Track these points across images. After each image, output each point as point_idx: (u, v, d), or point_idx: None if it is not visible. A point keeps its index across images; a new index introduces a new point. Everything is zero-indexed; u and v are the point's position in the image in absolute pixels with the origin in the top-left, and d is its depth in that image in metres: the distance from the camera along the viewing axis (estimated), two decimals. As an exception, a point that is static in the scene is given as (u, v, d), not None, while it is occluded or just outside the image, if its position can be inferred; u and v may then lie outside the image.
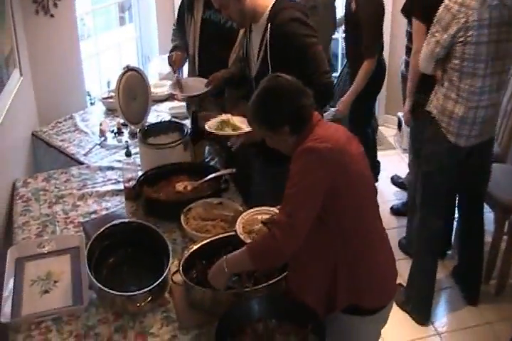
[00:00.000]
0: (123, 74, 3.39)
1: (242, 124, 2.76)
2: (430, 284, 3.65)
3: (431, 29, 3.25)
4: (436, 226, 3.62)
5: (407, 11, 3.84)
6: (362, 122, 4.48)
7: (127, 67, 3.44)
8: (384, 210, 2.44)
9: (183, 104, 3.82)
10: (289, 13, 2.72)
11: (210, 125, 2.81)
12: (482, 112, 3.30)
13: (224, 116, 2.86)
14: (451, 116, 3.34)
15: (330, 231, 2.21)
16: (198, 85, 3.25)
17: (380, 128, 5.33)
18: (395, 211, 4.58)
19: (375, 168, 4.80)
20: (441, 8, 3.17)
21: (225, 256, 2.24)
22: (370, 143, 4.66)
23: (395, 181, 4.96)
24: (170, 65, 3.45)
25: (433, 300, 3.68)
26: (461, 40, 3.16)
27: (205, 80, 3.23)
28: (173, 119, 3.72)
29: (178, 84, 3.34)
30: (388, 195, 4.80)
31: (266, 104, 2.27)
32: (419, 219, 3.67)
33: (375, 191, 2.38)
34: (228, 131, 2.76)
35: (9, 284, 2.45)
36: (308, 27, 2.72)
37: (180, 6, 3.57)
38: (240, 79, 3.10)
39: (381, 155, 5.05)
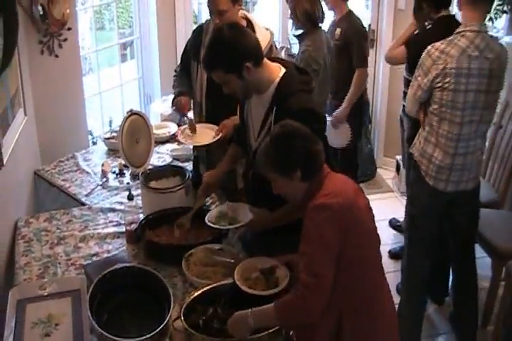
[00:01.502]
0: (126, 118, 3.43)
1: (240, 216, 2.78)
2: (418, 324, 3.67)
3: (415, 73, 3.42)
4: (423, 266, 3.67)
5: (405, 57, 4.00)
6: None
7: (131, 111, 3.49)
8: (382, 254, 2.49)
9: (185, 145, 3.85)
10: (297, 101, 2.60)
11: (209, 217, 2.81)
12: (460, 159, 3.37)
13: (224, 207, 2.87)
14: (430, 159, 3.43)
15: (336, 281, 2.24)
16: (207, 132, 3.29)
17: (378, 170, 5.40)
18: (393, 254, 4.61)
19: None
20: (424, 54, 3.34)
21: (250, 309, 2.28)
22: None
23: (393, 224, 5.00)
24: (177, 110, 3.49)
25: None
26: (439, 85, 3.29)
27: (215, 127, 3.26)
28: (175, 161, 3.76)
29: (191, 128, 3.37)
30: (386, 238, 4.80)
31: (279, 148, 2.33)
32: (406, 258, 3.73)
33: (378, 243, 2.43)
34: (225, 225, 2.77)
35: (10, 326, 2.45)
36: (317, 117, 2.66)
37: (183, 52, 3.64)
38: None
39: (379, 198, 5.12)
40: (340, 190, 2.34)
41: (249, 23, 3.32)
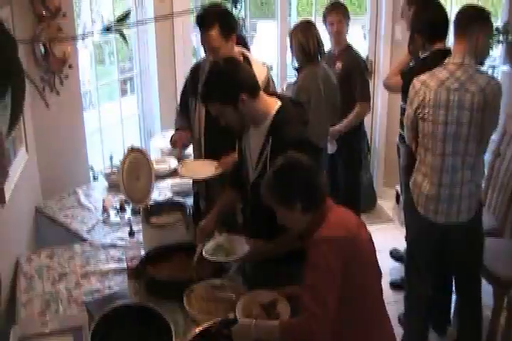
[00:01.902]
0: (127, 154, 3.47)
1: (237, 248, 2.81)
2: None
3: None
4: (423, 295, 3.69)
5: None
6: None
7: (131, 147, 3.53)
8: (382, 284, 2.51)
9: (186, 180, 3.88)
10: (293, 132, 2.68)
11: (206, 249, 2.84)
12: (447, 190, 3.39)
13: (221, 239, 2.89)
14: (420, 189, 3.48)
15: (336, 312, 2.27)
16: (207, 167, 3.33)
17: (378, 200, 5.42)
18: (394, 285, 4.60)
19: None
20: (410, 85, 3.43)
21: (253, 320, 2.36)
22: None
23: (394, 255, 4.99)
24: (172, 144, 3.54)
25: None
26: (420, 116, 3.39)
27: (215, 162, 3.29)
28: (175, 196, 3.79)
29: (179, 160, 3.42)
30: (386, 268, 4.78)
31: (280, 180, 2.38)
32: (407, 287, 3.77)
33: (380, 276, 2.46)
34: (221, 257, 2.80)
35: (12, 365, 2.46)
36: (312, 148, 2.78)
37: (182, 91, 3.70)
38: None
39: (379, 229, 5.13)
40: (343, 223, 2.38)
41: (246, 59, 3.38)
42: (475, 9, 3.46)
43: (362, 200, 4.97)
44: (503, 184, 4.23)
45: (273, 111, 2.74)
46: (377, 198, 5.44)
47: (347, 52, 4.73)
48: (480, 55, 3.41)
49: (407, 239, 3.79)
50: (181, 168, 3.48)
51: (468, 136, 3.30)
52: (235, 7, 5.39)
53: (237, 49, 3.41)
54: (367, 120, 5.27)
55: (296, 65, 4.46)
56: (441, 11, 3.93)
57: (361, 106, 4.68)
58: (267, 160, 2.71)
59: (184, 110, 3.63)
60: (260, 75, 3.25)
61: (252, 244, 2.79)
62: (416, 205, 3.52)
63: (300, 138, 2.66)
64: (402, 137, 4.18)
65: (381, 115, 5.70)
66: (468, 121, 3.28)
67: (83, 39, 4.27)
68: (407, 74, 3.90)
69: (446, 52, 3.67)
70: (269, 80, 3.45)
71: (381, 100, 5.63)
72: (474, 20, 3.31)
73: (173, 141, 3.57)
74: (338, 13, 4.69)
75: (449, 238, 3.59)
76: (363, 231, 2.44)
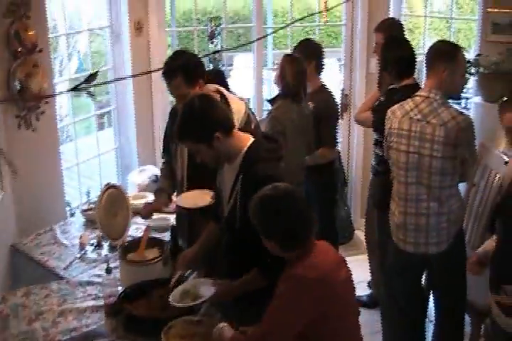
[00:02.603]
0: (104, 191, 3.47)
1: (203, 291, 2.81)
2: None
3: None
4: (398, 326, 3.76)
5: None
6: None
7: (108, 184, 3.53)
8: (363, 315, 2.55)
9: (163, 216, 3.90)
10: (262, 169, 2.69)
11: (173, 296, 2.83)
12: (412, 219, 3.44)
13: (187, 284, 2.89)
14: (392, 217, 3.52)
15: None
16: (205, 196, 3.30)
17: (356, 232, 5.43)
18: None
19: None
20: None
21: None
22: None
23: (371, 286, 5.00)
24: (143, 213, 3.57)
25: None
26: (387, 144, 3.49)
27: (210, 191, 3.28)
28: (153, 232, 3.77)
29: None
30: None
31: (267, 213, 2.38)
32: (382, 316, 3.86)
33: (357, 315, 2.46)
34: (188, 302, 2.79)
35: None
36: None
37: (164, 135, 3.74)
38: None
39: (358, 259, 5.13)
40: (320, 262, 2.39)
41: (222, 95, 3.41)
42: (444, 45, 3.53)
43: (340, 233, 4.98)
44: (477, 214, 4.26)
45: (245, 148, 2.77)
46: (356, 230, 5.45)
47: (320, 93, 4.56)
48: (449, 90, 3.46)
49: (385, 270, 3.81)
50: (181, 200, 3.42)
51: (430, 167, 3.35)
52: (211, 42, 5.47)
53: (213, 86, 3.43)
54: (343, 153, 5.32)
55: (270, 97, 4.47)
56: (407, 50, 4.03)
57: (325, 150, 4.55)
58: (237, 197, 2.73)
59: (167, 156, 3.65)
60: (239, 111, 3.30)
61: (218, 286, 2.79)
62: (391, 233, 3.59)
63: (270, 175, 2.65)
64: (373, 168, 4.32)
65: (357, 147, 5.76)
66: (430, 154, 3.33)
67: (54, 97, 4.23)
68: (378, 111, 3.98)
69: (415, 88, 3.75)
70: (249, 115, 3.48)
71: (357, 132, 5.69)
72: (440, 56, 3.39)
73: (144, 207, 3.60)
74: (299, 54, 4.47)
75: (427, 269, 3.63)
76: (342, 270, 2.45)
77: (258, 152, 2.76)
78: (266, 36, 5.72)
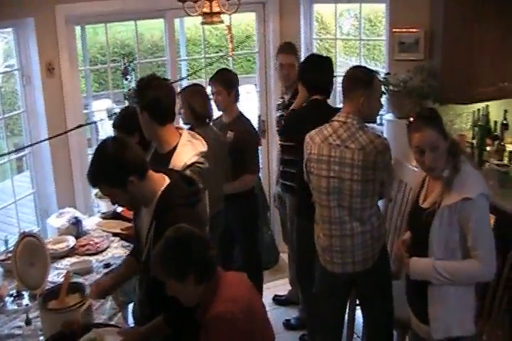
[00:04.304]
0: (20, 240, 3.41)
1: (110, 340, 2.81)
2: None
3: None
4: None
5: None
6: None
7: (23, 233, 3.47)
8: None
9: (84, 258, 3.86)
10: (175, 217, 2.64)
11: None
12: (338, 241, 3.51)
13: (92, 335, 2.87)
14: (317, 239, 3.60)
15: None
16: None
17: (281, 255, 5.48)
18: (290, 326, 4.82)
19: None
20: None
21: None
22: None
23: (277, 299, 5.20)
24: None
25: None
26: (307, 169, 3.56)
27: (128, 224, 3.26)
28: (75, 276, 3.71)
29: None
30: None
31: (173, 253, 2.38)
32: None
33: (272, 332, 2.53)
34: None
35: None
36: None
37: None
38: None
39: (285, 283, 5.25)
40: (237, 293, 2.42)
41: None
42: (359, 71, 3.59)
43: (265, 257, 5.01)
44: (396, 227, 4.37)
45: (159, 192, 2.74)
46: (281, 253, 5.49)
47: (239, 122, 4.65)
48: (367, 115, 3.53)
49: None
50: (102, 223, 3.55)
51: (352, 191, 3.42)
52: (125, 79, 5.46)
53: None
54: (263, 177, 5.36)
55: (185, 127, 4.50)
56: (311, 71, 4.14)
57: (249, 177, 4.63)
58: (151, 243, 2.70)
59: None
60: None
61: (124, 335, 2.79)
62: (318, 256, 3.65)
63: (182, 222, 2.61)
64: (284, 186, 4.56)
65: (276, 171, 5.77)
66: (351, 177, 3.40)
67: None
68: (287, 119, 4.35)
69: (319, 103, 4.03)
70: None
71: (275, 157, 5.72)
72: (356, 82, 3.48)
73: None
74: (217, 84, 4.58)
75: (354, 289, 3.70)
76: (255, 296, 2.50)
77: (172, 198, 2.73)
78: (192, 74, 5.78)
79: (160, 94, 3.26)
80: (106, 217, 4.16)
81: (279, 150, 4.78)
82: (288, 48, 4.95)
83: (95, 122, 5.58)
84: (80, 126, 4.68)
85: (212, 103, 4.55)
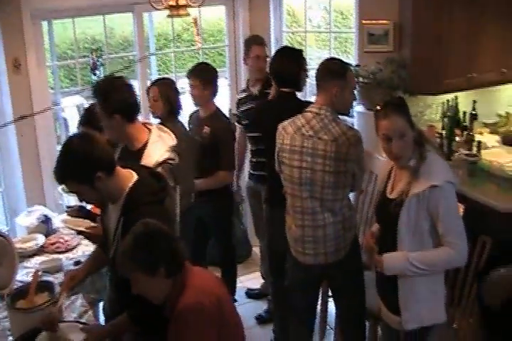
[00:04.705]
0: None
1: (72, 337, 2.82)
2: None
3: None
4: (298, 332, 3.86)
5: None
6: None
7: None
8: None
9: (54, 256, 3.84)
10: (142, 215, 2.61)
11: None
12: (310, 232, 3.51)
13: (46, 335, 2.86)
14: (289, 230, 3.60)
15: None
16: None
17: (254, 249, 5.48)
18: (262, 320, 4.86)
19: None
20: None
21: None
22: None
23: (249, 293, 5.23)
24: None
25: None
26: (279, 159, 3.56)
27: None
28: (45, 274, 3.67)
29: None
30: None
31: (143, 246, 2.37)
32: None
33: (243, 329, 2.50)
34: None
35: None
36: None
37: None
38: None
39: (258, 276, 5.27)
40: (206, 286, 2.42)
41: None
42: (333, 64, 3.58)
43: (238, 252, 5.01)
44: (367, 219, 4.39)
45: (127, 188, 2.74)
46: (253, 246, 5.49)
47: (215, 117, 4.61)
48: (340, 107, 3.52)
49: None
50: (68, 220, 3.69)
51: (323, 182, 3.42)
52: (94, 74, 5.42)
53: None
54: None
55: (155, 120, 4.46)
56: (281, 64, 4.11)
57: (225, 174, 4.59)
58: (119, 239, 2.70)
59: None
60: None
61: (87, 331, 2.78)
62: (290, 247, 3.64)
63: (150, 218, 2.60)
64: (258, 177, 4.60)
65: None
66: (322, 169, 3.40)
67: None
68: (256, 108, 4.42)
69: (287, 95, 4.02)
70: None
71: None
72: (330, 74, 3.47)
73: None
74: (193, 78, 4.55)
75: (327, 280, 3.73)
76: (223, 289, 2.49)
77: (140, 194, 2.73)
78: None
79: (125, 94, 3.26)
80: (71, 211, 4.08)
81: (249, 142, 4.75)
82: (260, 40, 4.94)
83: (58, 104, 5.50)
84: (48, 108, 4.65)
85: (189, 97, 4.52)
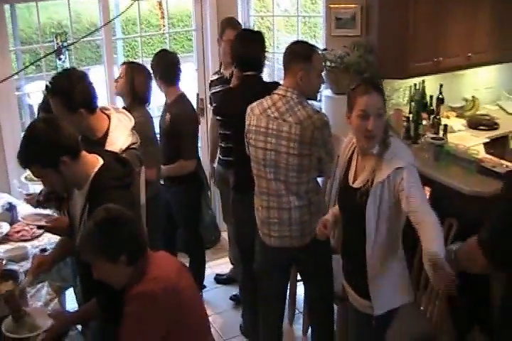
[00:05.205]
0: None
1: (39, 322, 2.77)
2: None
3: None
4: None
5: None
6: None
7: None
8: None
9: (19, 244, 3.81)
10: (108, 200, 2.58)
11: (7, 326, 2.76)
12: (275, 213, 3.52)
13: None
14: (257, 212, 3.64)
15: None
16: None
17: (222, 234, 5.49)
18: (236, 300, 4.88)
19: None
20: None
21: None
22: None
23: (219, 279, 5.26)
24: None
25: None
26: (247, 140, 3.57)
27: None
28: (10, 263, 3.63)
29: None
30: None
31: (104, 232, 2.35)
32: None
33: (206, 316, 2.51)
34: (26, 333, 2.73)
35: None
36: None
37: None
38: None
39: (227, 262, 5.29)
40: (164, 274, 2.41)
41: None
42: (299, 46, 3.55)
43: (206, 237, 5.00)
44: (335, 203, 4.38)
45: (93, 173, 2.71)
46: (222, 232, 5.49)
47: (176, 104, 4.47)
48: (306, 90, 3.47)
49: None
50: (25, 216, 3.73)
51: (287, 164, 3.41)
52: (59, 59, 5.33)
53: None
54: (203, 156, 5.32)
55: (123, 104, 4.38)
56: (242, 47, 4.07)
57: (185, 163, 4.49)
58: (85, 224, 2.65)
59: None
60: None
61: (54, 316, 2.76)
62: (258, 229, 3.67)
63: (116, 204, 2.57)
64: (227, 162, 4.54)
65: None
66: (287, 151, 3.39)
67: None
68: (221, 95, 4.43)
69: (252, 78, 4.01)
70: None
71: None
72: (296, 57, 3.45)
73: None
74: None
75: (294, 266, 3.74)
76: (184, 277, 2.49)
77: (106, 179, 2.71)
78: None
79: (85, 86, 3.19)
80: (30, 199, 3.99)
81: (218, 127, 4.68)
82: (234, 23, 4.88)
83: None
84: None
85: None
